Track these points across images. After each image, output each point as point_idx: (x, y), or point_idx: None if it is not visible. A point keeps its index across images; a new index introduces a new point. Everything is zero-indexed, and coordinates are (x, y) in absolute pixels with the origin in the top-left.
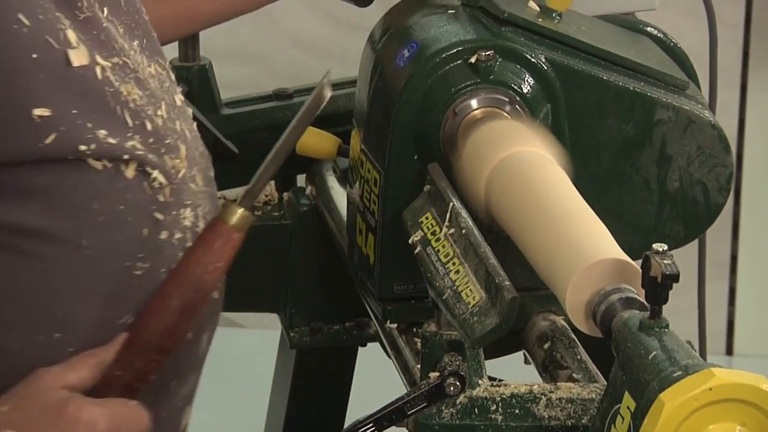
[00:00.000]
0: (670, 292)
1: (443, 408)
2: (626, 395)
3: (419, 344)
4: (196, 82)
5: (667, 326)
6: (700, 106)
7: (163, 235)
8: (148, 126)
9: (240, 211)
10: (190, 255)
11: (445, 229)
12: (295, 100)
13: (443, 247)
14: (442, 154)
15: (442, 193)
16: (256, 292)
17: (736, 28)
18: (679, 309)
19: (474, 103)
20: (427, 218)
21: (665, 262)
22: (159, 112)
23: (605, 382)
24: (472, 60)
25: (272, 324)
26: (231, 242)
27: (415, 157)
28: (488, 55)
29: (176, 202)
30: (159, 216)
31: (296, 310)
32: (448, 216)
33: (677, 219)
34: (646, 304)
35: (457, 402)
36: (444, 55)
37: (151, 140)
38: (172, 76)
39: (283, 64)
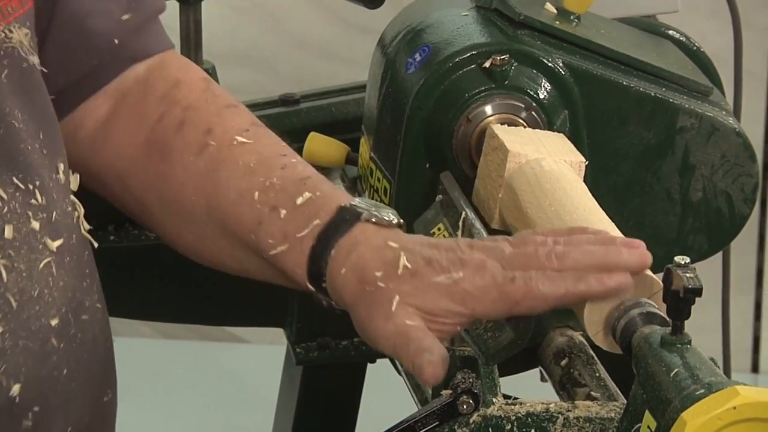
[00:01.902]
0: (693, 307)
1: (456, 427)
2: (647, 414)
3: None
4: None
5: (689, 342)
6: (724, 112)
7: None
8: None
9: None
10: None
11: None
12: (302, 106)
13: None
14: (455, 163)
15: (455, 202)
16: (261, 305)
17: (762, 31)
18: (702, 324)
19: (488, 109)
20: (439, 229)
21: (688, 275)
22: None
23: (625, 401)
24: (487, 64)
25: (278, 339)
26: None
27: (427, 166)
28: (503, 59)
29: None
30: None
31: (303, 325)
32: (461, 227)
33: (700, 230)
34: (667, 319)
35: (471, 421)
36: (457, 60)
37: None
38: (35, 199)
39: (290, 68)
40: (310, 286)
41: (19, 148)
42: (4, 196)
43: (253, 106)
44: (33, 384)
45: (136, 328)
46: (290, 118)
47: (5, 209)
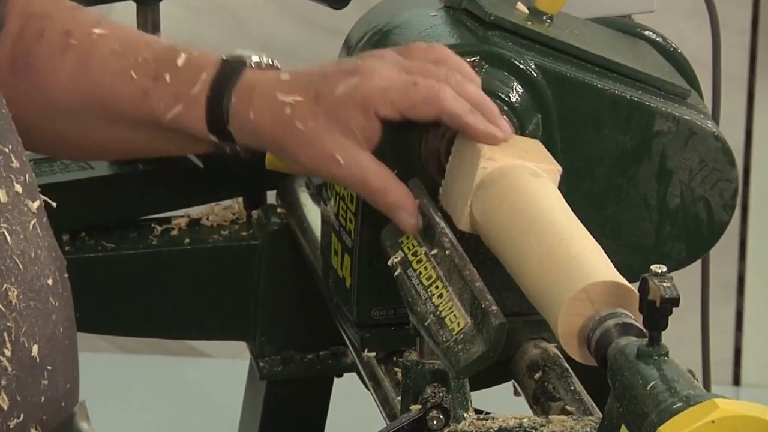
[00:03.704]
0: (671, 318)
1: None
2: (623, 429)
3: (400, 374)
4: None
5: (666, 354)
6: (702, 116)
7: None
8: None
9: None
10: None
11: (426, 250)
12: None
13: (425, 269)
14: (424, 169)
15: (424, 210)
16: (223, 318)
17: (742, 31)
18: (681, 335)
19: None
20: (407, 238)
21: (664, 284)
22: None
23: (601, 415)
24: None
25: (240, 353)
26: None
27: (395, 172)
28: (473, 61)
29: None
30: None
31: (266, 338)
32: (430, 235)
33: (678, 238)
34: (644, 330)
35: None
36: None
37: None
38: (12, 162)
39: None
40: (212, 136)
41: None
42: None
43: None
44: (45, 344)
45: (92, 342)
46: None
47: None
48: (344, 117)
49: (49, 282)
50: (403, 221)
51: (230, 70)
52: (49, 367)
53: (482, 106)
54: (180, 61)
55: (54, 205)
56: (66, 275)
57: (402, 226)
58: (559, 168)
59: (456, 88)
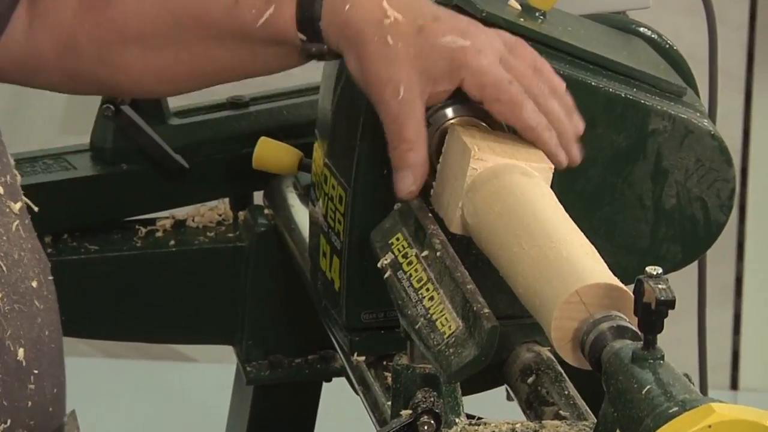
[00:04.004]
0: (667, 320)
1: None
2: None
3: (390, 379)
4: None
5: (662, 357)
6: (698, 114)
7: None
8: None
9: None
10: None
11: (417, 251)
12: (251, 109)
13: (416, 271)
14: None
15: (415, 211)
16: (209, 322)
17: (739, 28)
18: (677, 338)
19: (449, 112)
20: (397, 239)
21: (660, 286)
22: None
23: (595, 420)
24: None
25: (227, 357)
26: None
27: (385, 172)
28: None
29: None
30: None
31: (253, 342)
32: (421, 237)
33: (674, 239)
34: (639, 333)
35: None
36: None
37: None
38: None
39: None
40: (300, 35)
41: None
42: None
43: (200, 110)
44: (30, 347)
45: (74, 346)
46: (239, 122)
47: None
48: (433, 63)
49: (34, 284)
50: (405, 182)
51: None
52: (36, 371)
53: (558, 125)
54: None
55: (36, 209)
56: (51, 278)
57: (399, 187)
58: (552, 166)
59: (541, 100)
